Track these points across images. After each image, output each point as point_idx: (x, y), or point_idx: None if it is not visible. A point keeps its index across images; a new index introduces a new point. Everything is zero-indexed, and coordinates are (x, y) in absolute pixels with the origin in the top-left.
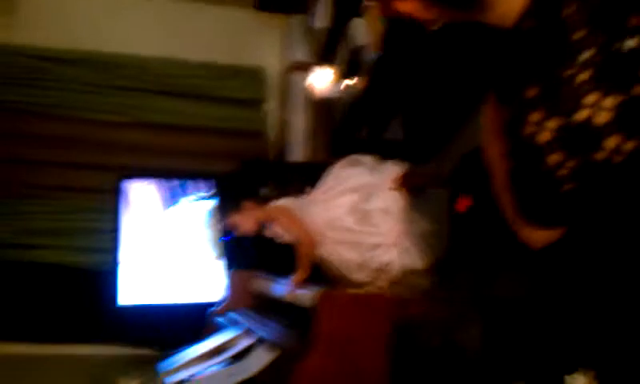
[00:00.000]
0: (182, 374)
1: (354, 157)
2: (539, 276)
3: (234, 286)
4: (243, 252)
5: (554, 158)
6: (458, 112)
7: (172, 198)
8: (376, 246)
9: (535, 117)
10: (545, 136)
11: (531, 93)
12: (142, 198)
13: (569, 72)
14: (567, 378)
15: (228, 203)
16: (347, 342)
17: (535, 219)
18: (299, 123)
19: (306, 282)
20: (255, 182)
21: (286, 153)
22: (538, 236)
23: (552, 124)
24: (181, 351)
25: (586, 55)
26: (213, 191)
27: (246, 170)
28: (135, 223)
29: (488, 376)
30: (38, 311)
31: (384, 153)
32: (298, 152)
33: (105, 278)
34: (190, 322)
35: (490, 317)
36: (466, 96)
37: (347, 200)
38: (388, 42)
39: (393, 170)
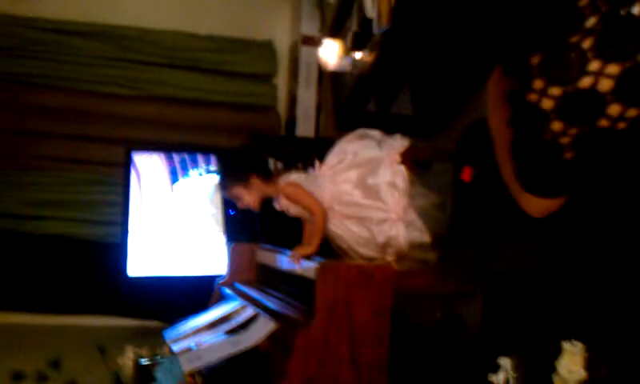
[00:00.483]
0: (187, 343)
1: (361, 130)
2: (542, 247)
3: (237, 258)
4: (247, 225)
5: (556, 126)
6: (467, 85)
7: (180, 172)
8: (383, 221)
9: (539, 84)
10: (547, 103)
11: (536, 60)
12: (150, 171)
13: (574, 39)
14: (564, 344)
15: (234, 177)
16: (348, 312)
17: (535, 189)
18: (308, 97)
19: (312, 256)
20: (260, 157)
21: (294, 127)
22: (538, 204)
23: (555, 91)
24: (186, 321)
25: (591, 22)
26: (219, 165)
27: (251, 146)
28: (144, 196)
29: (486, 350)
30: (49, 282)
31: (392, 127)
32: (306, 126)
33: (114, 250)
34: (196, 294)
35: (491, 291)
36: (474, 69)
37: (354, 174)
38: (397, 16)
39: (399, 144)
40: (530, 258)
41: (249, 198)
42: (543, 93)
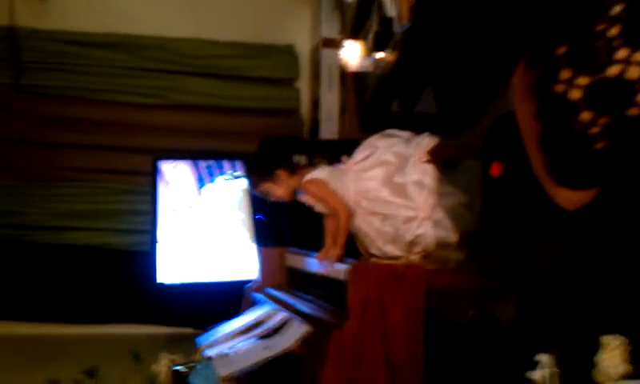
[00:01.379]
0: (220, 348)
1: (389, 131)
2: (576, 240)
3: (266, 262)
4: (275, 229)
5: (585, 116)
6: (491, 81)
7: (207, 178)
8: (410, 219)
9: (566, 74)
10: (575, 94)
11: (562, 50)
12: (177, 179)
13: (600, 27)
14: (604, 338)
15: (260, 174)
16: (381, 313)
17: (566, 181)
18: (330, 100)
19: (340, 256)
20: (283, 150)
21: (317, 130)
22: (570, 197)
23: (583, 81)
24: (219, 327)
25: (617, 9)
26: (246, 165)
27: (271, 141)
28: (171, 203)
29: (523, 347)
30: (81, 293)
31: (416, 126)
32: (329, 129)
33: (144, 258)
34: (227, 300)
35: (526, 288)
36: (498, 64)
37: (380, 172)
38: (418, 13)
39: (427, 142)
40: (564, 253)
41: (278, 191)
42: (570, 83)
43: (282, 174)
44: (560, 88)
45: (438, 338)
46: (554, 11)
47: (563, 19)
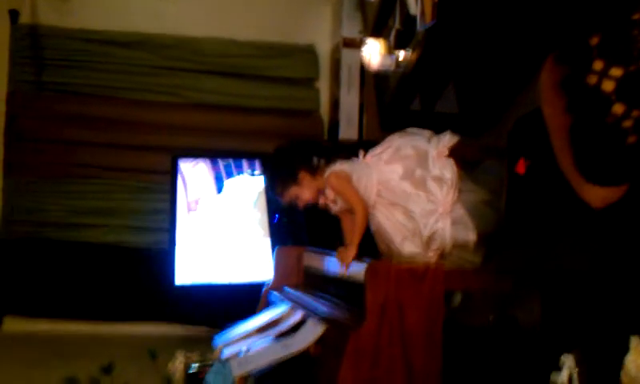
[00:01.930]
0: (237, 347)
1: (409, 129)
2: (601, 240)
3: (283, 262)
4: (293, 229)
5: (617, 109)
6: (514, 81)
7: (225, 177)
8: (429, 213)
9: (599, 65)
10: (608, 85)
11: (595, 40)
12: (196, 178)
13: (636, 16)
14: (634, 339)
15: (283, 181)
16: (400, 314)
17: (595, 177)
18: (350, 100)
19: (357, 257)
20: (300, 152)
21: (337, 130)
22: (599, 194)
23: (616, 72)
24: (235, 326)
25: None
26: (266, 178)
27: (284, 146)
28: (190, 202)
29: (548, 350)
30: (98, 290)
31: (437, 125)
32: (349, 129)
33: (162, 256)
34: (244, 301)
35: (550, 291)
36: (522, 63)
37: (401, 166)
38: (442, 11)
39: (447, 140)
40: (590, 253)
41: (305, 194)
42: (604, 74)
43: (304, 175)
44: (593, 79)
45: (458, 340)
46: (589, 1)
47: (598, 8)
